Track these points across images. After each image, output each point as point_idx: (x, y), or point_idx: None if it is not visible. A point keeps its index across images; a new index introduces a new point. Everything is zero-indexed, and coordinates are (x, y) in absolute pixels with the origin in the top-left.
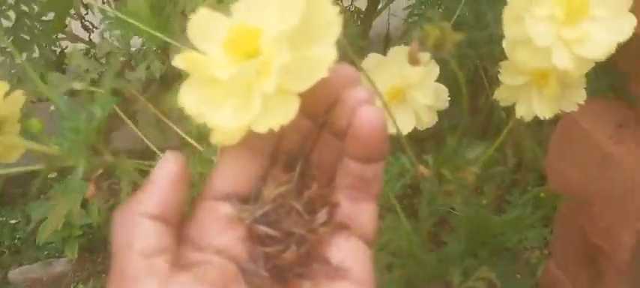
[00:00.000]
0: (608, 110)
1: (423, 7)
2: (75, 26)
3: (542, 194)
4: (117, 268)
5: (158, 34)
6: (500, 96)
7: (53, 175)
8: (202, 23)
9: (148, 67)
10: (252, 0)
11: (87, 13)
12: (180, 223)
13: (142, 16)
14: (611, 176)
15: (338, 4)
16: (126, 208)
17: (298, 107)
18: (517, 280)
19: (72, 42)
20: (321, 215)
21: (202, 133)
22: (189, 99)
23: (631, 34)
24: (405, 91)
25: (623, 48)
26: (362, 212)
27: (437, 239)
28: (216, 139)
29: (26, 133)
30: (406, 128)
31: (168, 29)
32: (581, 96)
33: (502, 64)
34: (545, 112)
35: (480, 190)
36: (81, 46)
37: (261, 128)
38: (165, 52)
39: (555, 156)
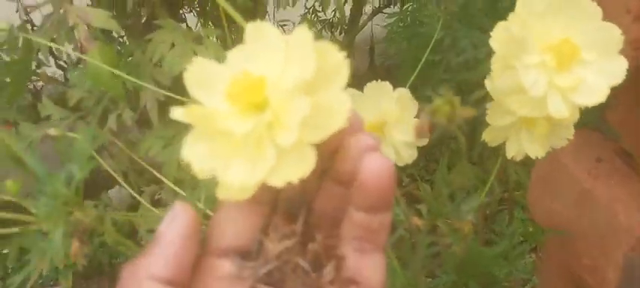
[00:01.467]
0: (587, 143)
1: (401, 24)
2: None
3: (530, 228)
4: None
5: (119, 90)
6: (489, 137)
7: None
8: (200, 72)
9: (119, 116)
10: (252, 48)
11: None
12: (189, 281)
13: (103, 77)
14: (592, 213)
15: (318, 17)
16: (133, 269)
17: (315, 159)
18: None
19: (46, 83)
20: (328, 272)
21: (179, 178)
22: (195, 154)
23: (624, 76)
24: (384, 127)
25: None
26: (369, 265)
27: (427, 271)
28: (223, 195)
29: None
30: None
31: (138, 75)
32: (570, 132)
33: (489, 105)
34: (536, 152)
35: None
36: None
37: (278, 182)
38: (136, 97)
39: (537, 190)
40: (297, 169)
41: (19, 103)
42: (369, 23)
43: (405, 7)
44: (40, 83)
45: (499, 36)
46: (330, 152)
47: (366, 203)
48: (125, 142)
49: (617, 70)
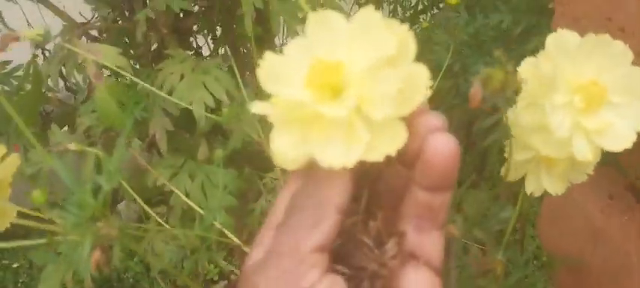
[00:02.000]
0: (599, 178)
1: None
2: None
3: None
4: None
5: (126, 125)
6: (507, 172)
7: None
8: (270, 67)
9: (128, 144)
10: (317, 35)
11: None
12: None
13: (111, 113)
14: (604, 252)
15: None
16: (290, 243)
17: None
18: None
19: (56, 107)
20: (391, 247)
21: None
22: (285, 144)
23: None
24: None
25: None
26: (429, 241)
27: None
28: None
29: None
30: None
31: (147, 105)
32: (590, 168)
33: (508, 142)
34: (556, 189)
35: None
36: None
37: (376, 157)
38: (145, 126)
39: (547, 222)
40: (392, 142)
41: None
42: None
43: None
44: (51, 107)
45: (527, 72)
46: None
47: (429, 182)
48: (134, 169)
49: None
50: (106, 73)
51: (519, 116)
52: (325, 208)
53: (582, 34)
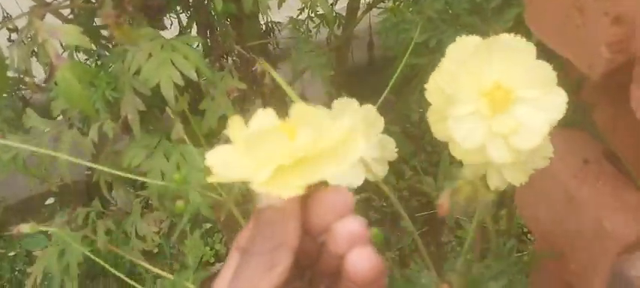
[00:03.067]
0: (573, 143)
1: (394, 16)
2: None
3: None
4: None
5: (90, 107)
6: (467, 174)
7: (50, 201)
8: (222, 157)
9: (100, 126)
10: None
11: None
12: None
13: (74, 94)
14: (578, 218)
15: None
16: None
17: None
18: None
19: (33, 92)
20: None
21: (163, 193)
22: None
23: (565, 109)
24: None
25: (587, 78)
26: None
27: None
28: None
29: None
30: (357, 181)
31: (118, 86)
32: (549, 150)
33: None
34: (519, 179)
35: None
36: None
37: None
38: (118, 107)
39: (523, 192)
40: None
41: (5, 114)
42: (369, 14)
43: (395, 3)
44: (29, 93)
45: (432, 87)
46: (323, 229)
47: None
48: (110, 151)
49: (559, 102)
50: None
51: (434, 132)
52: (280, 251)
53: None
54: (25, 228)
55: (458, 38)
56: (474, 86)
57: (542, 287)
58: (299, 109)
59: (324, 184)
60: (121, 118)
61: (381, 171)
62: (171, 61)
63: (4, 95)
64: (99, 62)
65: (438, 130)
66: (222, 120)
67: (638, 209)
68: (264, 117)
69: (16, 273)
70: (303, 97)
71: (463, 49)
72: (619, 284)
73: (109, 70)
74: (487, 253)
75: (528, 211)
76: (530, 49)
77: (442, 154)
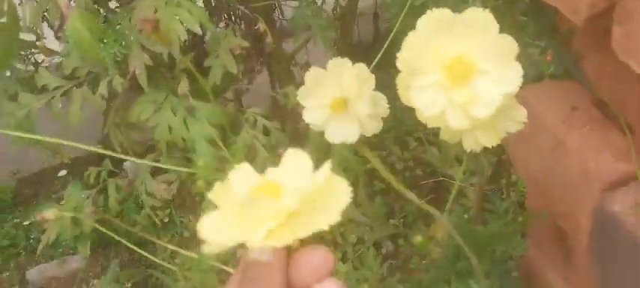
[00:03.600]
0: (563, 92)
1: None
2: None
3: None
4: None
5: (100, 55)
6: (446, 136)
7: (62, 174)
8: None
9: (110, 82)
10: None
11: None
12: None
13: (84, 44)
14: (565, 161)
15: None
16: None
17: None
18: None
19: (46, 56)
20: None
21: (171, 142)
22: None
23: (520, 83)
24: (347, 101)
25: (578, 28)
26: None
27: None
28: None
29: None
30: (353, 137)
31: (126, 42)
32: (522, 114)
33: None
34: (492, 141)
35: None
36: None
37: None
38: (126, 64)
39: (515, 141)
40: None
41: (19, 75)
42: None
43: None
44: (41, 56)
45: (402, 57)
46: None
47: None
48: (120, 106)
49: (513, 77)
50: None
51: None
52: None
53: None
54: (50, 214)
55: (428, 11)
56: (437, 59)
57: (536, 235)
58: (289, 156)
59: (308, 240)
60: (130, 73)
61: (375, 127)
62: (176, 16)
63: (20, 54)
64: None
65: (404, 97)
66: (226, 76)
67: (622, 150)
68: (245, 175)
69: (31, 241)
70: (307, 64)
71: (432, 22)
72: (603, 220)
73: (117, 28)
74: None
75: (520, 162)
76: (494, 24)
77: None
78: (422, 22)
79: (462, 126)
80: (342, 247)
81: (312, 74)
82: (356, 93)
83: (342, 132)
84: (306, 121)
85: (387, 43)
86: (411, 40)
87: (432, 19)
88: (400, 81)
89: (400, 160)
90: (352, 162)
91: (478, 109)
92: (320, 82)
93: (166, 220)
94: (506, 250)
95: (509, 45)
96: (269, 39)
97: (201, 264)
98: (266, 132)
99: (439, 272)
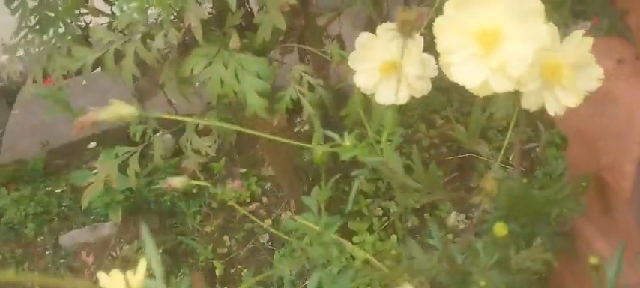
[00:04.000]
0: (609, 47)
1: None
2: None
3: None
4: None
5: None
6: (527, 105)
7: (92, 146)
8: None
9: (165, 36)
10: None
11: None
12: None
13: None
14: (612, 112)
15: None
16: None
17: None
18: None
19: (94, 16)
20: None
21: (222, 96)
22: None
23: (548, 39)
24: (397, 64)
25: None
26: None
27: None
28: None
29: None
30: (403, 98)
31: None
32: (598, 72)
33: None
34: (572, 101)
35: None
36: (104, 19)
37: None
38: (180, 18)
39: None
40: None
41: (72, 33)
42: None
43: None
44: (90, 18)
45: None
46: None
47: None
48: (172, 61)
49: (540, 33)
50: None
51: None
52: None
53: None
54: (176, 183)
55: None
56: (467, 33)
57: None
58: None
59: None
60: (185, 26)
61: (424, 88)
62: None
63: (75, 12)
64: None
65: (449, 75)
66: (275, 32)
67: None
68: None
69: (63, 208)
70: (340, 38)
71: (453, 2)
72: None
73: None
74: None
75: (564, 115)
76: None
77: (474, 104)
78: (447, 4)
79: (506, 88)
80: (368, 219)
81: (362, 39)
82: (406, 54)
83: (392, 94)
84: (357, 85)
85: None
86: (439, 23)
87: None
88: (441, 61)
89: (426, 138)
90: (391, 123)
91: (515, 68)
92: (370, 46)
93: (195, 191)
94: (562, 212)
95: (531, 3)
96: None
97: (324, 237)
98: (311, 88)
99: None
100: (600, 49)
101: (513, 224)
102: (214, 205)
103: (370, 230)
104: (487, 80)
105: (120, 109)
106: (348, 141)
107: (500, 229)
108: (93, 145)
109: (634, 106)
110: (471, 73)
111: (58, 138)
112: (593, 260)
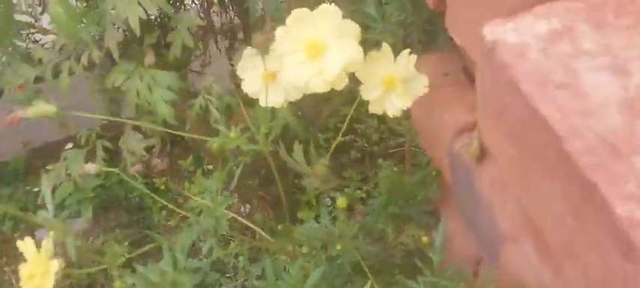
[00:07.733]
0: (441, 61)
1: None
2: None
3: None
4: None
5: (76, 34)
6: (373, 109)
7: (69, 147)
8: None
9: (89, 55)
10: None
11: None
12: None
13: (62, 24)
14: (432, 114)
15: None
16: None
17: None
18: None
19: (43, 35)
20: None
21: (139, 104)
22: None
23: (356, 55)
24: (273, 74)
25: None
26: None
27: None
28: None
29: None
30: (278, 102)
31: (101, 23)
32: (424, 81)
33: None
34: (405, 104)
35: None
36: (51, 36)
37: None
38: (102, 39)
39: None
40: None
41: (20, 51)
42: None
43: None
44: (40, 35)
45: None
46: None
47: None
48: (97, 76)
49: (352, 50)
50: None
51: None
52: None
53: None
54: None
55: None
56: (299, 43)
57: None
58: None
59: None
60: (105, 48)
61: (298, 94)
62: (138, 1)
63: (21, 33)
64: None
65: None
66: (185, 50)
67: (472, 105)
68: None
69: (40, 205)
70: None
71: (293, 18)
72: (451, 158)
73: (96, 9)
74: None
75: (413, 118)
76: (337, 12)
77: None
78: (288, 19)
79: (321, 90)
80: (316, 209)
81: (246, 53)
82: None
83: (272, 97)
84: (245, 91)
85: None
86: (279, 33)
87: (293, 16)
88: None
89: (376, 132)
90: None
91: (327, 75)
92: (252, 59)
93: (162, 187)
94: (427, 194)
95: (351, 27)
96: (223, 19)
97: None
98: (220, 97)
99: (375, 216)
100: (433, 63)
101: (393, 207)
102: (180, 200)
103: (317, 220)
104: (308, 81)
105: (42, 108)
106: (232, 134)
107: (342, 202)
108: (70, 146)
109: (445, 110)
110: (298, 74)
111: (40, 138)
112: (424, 239)
